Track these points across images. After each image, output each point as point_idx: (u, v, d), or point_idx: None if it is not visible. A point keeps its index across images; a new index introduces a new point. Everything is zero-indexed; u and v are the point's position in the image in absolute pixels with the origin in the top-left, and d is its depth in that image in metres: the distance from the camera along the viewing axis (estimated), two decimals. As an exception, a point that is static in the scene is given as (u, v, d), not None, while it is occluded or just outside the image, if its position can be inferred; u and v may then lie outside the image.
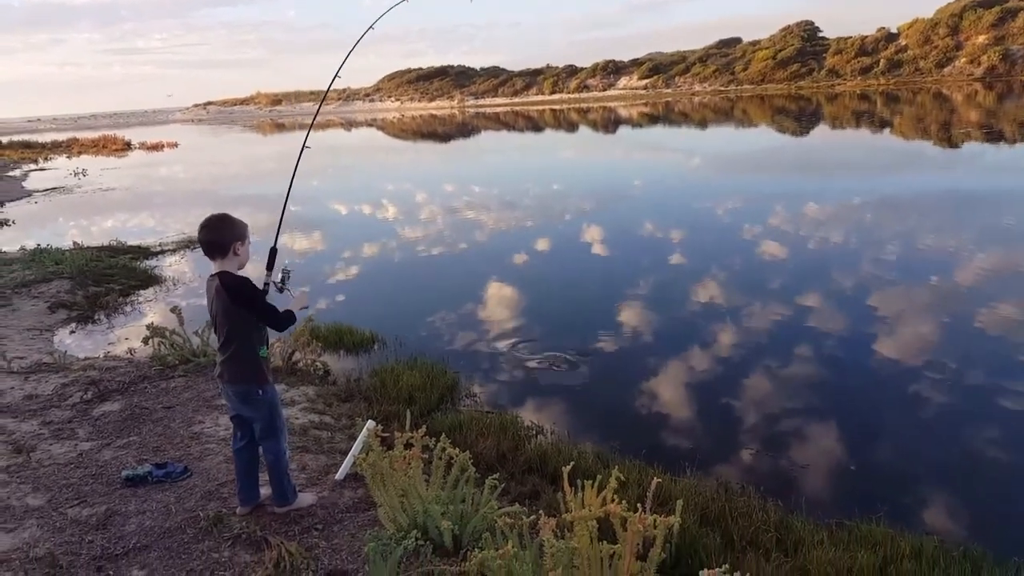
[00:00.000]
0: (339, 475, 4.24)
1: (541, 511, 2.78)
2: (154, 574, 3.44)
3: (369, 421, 4.30)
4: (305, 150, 4.54)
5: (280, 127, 73.32)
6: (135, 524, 3.88)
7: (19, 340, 7.82)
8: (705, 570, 2.21)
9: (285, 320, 3.68)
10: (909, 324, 7.12)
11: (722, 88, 74.19)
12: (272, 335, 4.37)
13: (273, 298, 3.77)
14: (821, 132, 31.91)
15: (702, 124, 41.87)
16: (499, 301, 8.94)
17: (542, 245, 12.31)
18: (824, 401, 5.54)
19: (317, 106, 5.27)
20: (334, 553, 3.52)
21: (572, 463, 3.32)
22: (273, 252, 3.82)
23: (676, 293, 8.74)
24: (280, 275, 3.83)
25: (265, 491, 3.99)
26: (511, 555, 2.58)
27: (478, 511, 3.36)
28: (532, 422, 5.23)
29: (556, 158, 28.88)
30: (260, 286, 3.71)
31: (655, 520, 2.58)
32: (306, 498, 3.97)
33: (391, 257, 12.23)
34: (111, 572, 3.48)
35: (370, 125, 64.46)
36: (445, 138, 45.69)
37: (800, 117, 40.14)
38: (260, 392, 3.69)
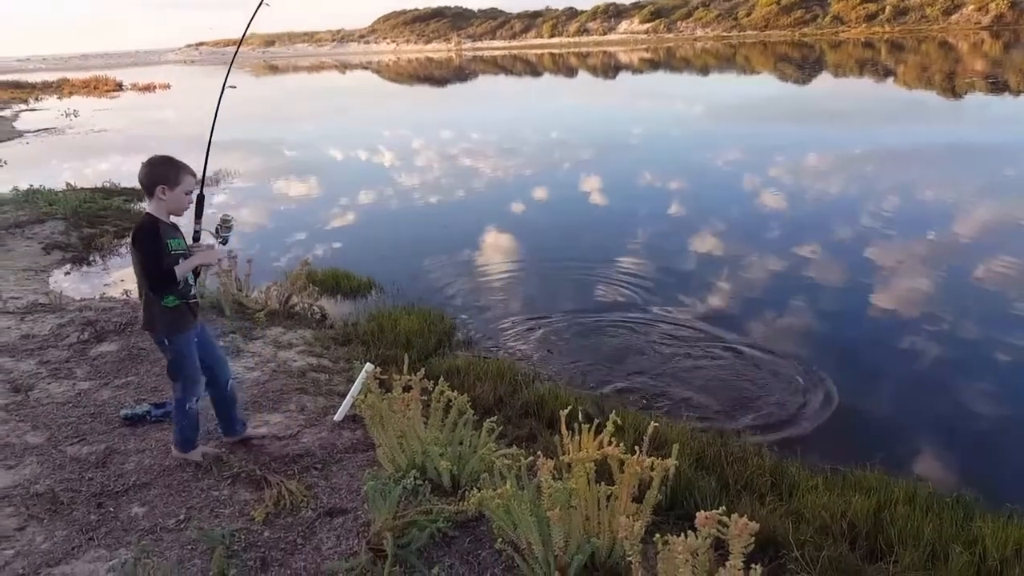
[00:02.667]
0: (337, 416, 4.26)
1: (539, 453, 2.79)
2: (155, 511, 3.48)
3: (367, 364, 4.30)
4: (230, 89, 4.28)
5: (273, 68, 71.87)
6: (134, 462, 3.91)
7: (14, 280, 7.78)
8: (701, 512, 2.22)
9: (160, 278, 3.41)
10: (907, 275, 7.11)
11: (725, 34, 72.75)
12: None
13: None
14: (823, 81, 31.43)
15: (703, 71, 41.18)
16: (496, 249, 8.90)
17: (540, 193, 12.20)
18: (820, 351, 5.56)
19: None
20: (333, 492, 3.56)
21: (569, 408, 3.35)
22: (200, 199, 3.60)
23: (673, 242, 8.70)
24: (217, 224, 3.69)
25: (254, 430, 4.09)
26: (509, 495, 2.60)
27: (476, 453, 3.39)
28: (529, 368, 5.25)
29: (555, 105, 28.44)
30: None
31: (652, 463, 2.61)
32: (197, 454, 3.86)
33: (388, 204, 12.12)
34: (111, 509, 3.52)
35: (365, 68, 63.22)
36: (442, 83, 44.90)
37: (803, 65, 39.49)
38: (166, 342, 3.60)
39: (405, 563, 2.92)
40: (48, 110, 33.14)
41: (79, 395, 4.76)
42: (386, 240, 9.73)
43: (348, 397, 4.28)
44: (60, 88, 48.15)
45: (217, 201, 12.29)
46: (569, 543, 2.62)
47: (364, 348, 5.52)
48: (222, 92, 4.25)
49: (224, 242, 3.75)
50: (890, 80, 29.39)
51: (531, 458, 2.93)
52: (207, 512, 3.44)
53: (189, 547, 3.18)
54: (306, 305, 6.43)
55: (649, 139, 17.90)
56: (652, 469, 2.61)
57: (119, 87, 47.41)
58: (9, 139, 22.64)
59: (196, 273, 3.71)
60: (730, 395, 4.89)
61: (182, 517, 3.41)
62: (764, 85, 31.61)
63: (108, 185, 12.78)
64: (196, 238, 3.63)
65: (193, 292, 3.66)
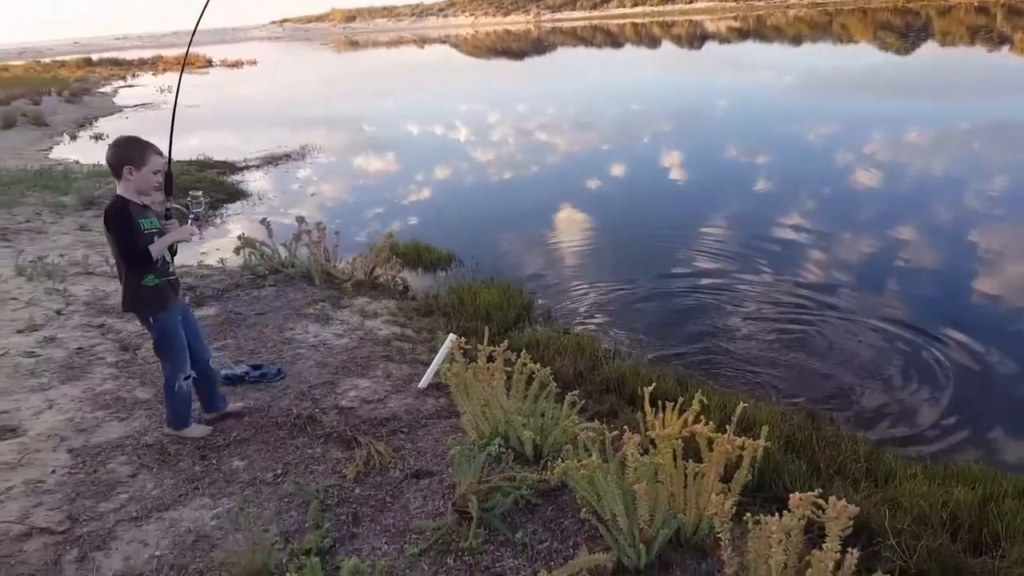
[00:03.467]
0: (422, 384, 4.38)
1: (625, 427, 2.81)
2: (253, 464, 3.68)
3: (451, 334, 4.39)
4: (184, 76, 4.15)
5: (354, 44, 73.02)
6: (233, 419, 4.13)
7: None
8: (796, 493, 2.20)
9: (136, 258, 3.44)
10: (1015, 263, 6.71)
11: (819, 0, 69.36)
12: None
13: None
14: (928, 50, 29.66)
15: (795, 40, 39.49)
16: (574, 224, 8.87)
17: (618, 168, 12.06)
18: (920, 336, 5.30)
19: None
20: (419, 455, 3.67)
21: (653, 385, 3.34)
22: (168, 177, 3.55)
23: (759, 220, 8.45)
24: (187, 200, 3.69)
25: (237, 405, 4.21)
26: (594, 466, 2.63)
27: (558, 424, 3.42)
28: (609, 345, 5.25)
29: (635, 77, 27.89)
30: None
31: (744, 442, 2.58)
32: (197, 430, 3.96)
33: (464, 179, 12.22)
34: (214, 461, 3.74)
35: (443, 42, 63.50)
36: (519, 56, 44.66)
37: (906, 33, 37.34)
38: (151, 320, 3.66)
39: (489, 526, 3.00)
40: (144, 86, 34.73)
41: (182, 355, 5.04)
42: (463, 214, 9.84)
43: (432, 366, 4.39)
44: (155, 65, 50.34)
45: (302, 175, 12.67)
46: (655, 517, 2.63)
47: (445, 320, 5.63)
48: (180, 77, 4.15)
49: (196, 218, 3.71)
50: (1005, 49, 27.44)
51: (616, 432, 2.94)
52: (302, 468, 3.61)
53: (286, 500, 3.36)
54: (389, 276, 6.60)
55: (734, 112, 17.37)
56: (742, 449, 2.59)
57: (209, 63, 49.20)
58: (110, 114, 23.89)
59: (172, 251, 3.70)
60: (823, 377, 4.76)
61: (279, 472, 3.60)
62: (861, 55, 30.08)
63: (202, 158, 13.33)
64: (167, 216, 3.62)
65: (172, 270, 3.68)
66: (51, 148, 16.79)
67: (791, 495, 2.20)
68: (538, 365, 3.44)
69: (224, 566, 2.93)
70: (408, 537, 3.04)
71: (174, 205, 3.61)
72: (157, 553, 3.06)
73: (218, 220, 9.79)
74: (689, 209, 9.07)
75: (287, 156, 14.10)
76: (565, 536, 2.95)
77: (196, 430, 3.98)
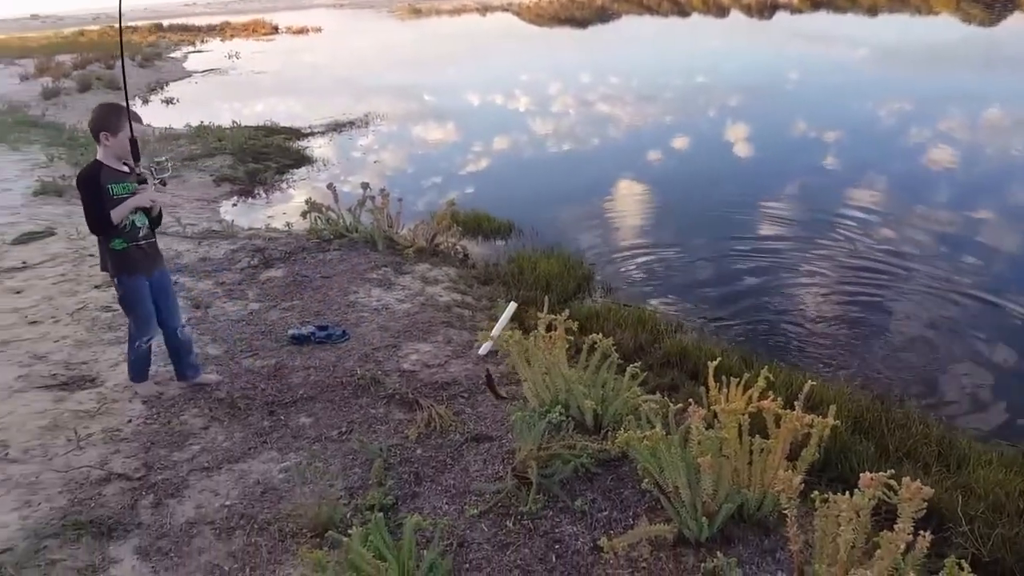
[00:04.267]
0: (482, 351, 4.42)
1: (691, 400, 2.78)
2: (319, 422, 3.78)
3: (511, 302, 4.41)
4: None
5: (417, 12, 72.94)
6: (301, 377, 4.25)
7: (189, 209, 8.52)
8: (867, 473, 2.14)
9: (96, 222, 3.54)
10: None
11: (896, -28, 66.11)
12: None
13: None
14: (1018, 22, 27.96)
15: (871, 11, 37.75)
16: (635, 197, 8.75)
17: (681, 142, 11.80)
18: (997, 319, 5.08)
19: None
20: (479, 420, 3.72)
21: (718, 360, 3.29)
22: (133, 143, 3.55)
23: (827, 195, 8.17)
24: (152, 166, 3.71)
25: (211, 377, 4.23)
26: (658, 438, 2.61)
27: (619, 395, 3.41)
28: (671, 318, 5.19)
29: (702, 47, 27.13)
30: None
31: (813, 420, 2.53)
32: (144, 387, 4.07)
33: (524, 149, 12.15)
34: (282, 417, 3.86)
35: (505, 10, 62.78)
36: (583, 24, 43.89)
37: (992, 4, 35.26)
38: (116, 281, 3.74)
39: (548, 492, 3.02)
40: (212, 52, 35.45)
41: (251, 314, 5.20)
42: (523, 185, 9.80)
43: (493, 332, 4.41)
44: (222, 31, 51.26)
45: (364, 142, 12.80)
46: (718, 491, 2.61)
47: (505, 288, 5.65)
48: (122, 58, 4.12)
49: (163, 183, 3.74)
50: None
51: (680, 405, 2.92)
52: (365, 427, 3.70)
53: (350, 457, 3.45)
54: (450, 244, 6.64)
55: (804, 86, 16.76)
56: (811, 427, 2.54)
57: (275, 30, 49.83)
58: (180, 79, 24.49)
59: (153, 219, 3.74)
60: (893, 356, 4.62)
61: (344, 430, 3.69)
62: (942, 27, 28.59)
63: (269, 124, 13.58)
64: (141, 181, 3.62)
65: (143, 235, 3.70)
66: (125, 112, 17.32)
67: (862, 475, 2.14)
68: (600, 335, 3.42)
69: (291, 517, 3.04)
70: (468, 499, 3.10)
71: (140, 170, 3.62)
72: (227, 503, 3.19)
73: (284, 185, 10.00)
74: (754, 183, 8.83)
75: (351, 123, 14.25)
76: (625, 506, 2.95)
77: (144, 387, 4.08)
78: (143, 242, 3.71)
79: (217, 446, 3.61)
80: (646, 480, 2.77)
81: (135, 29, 51.00)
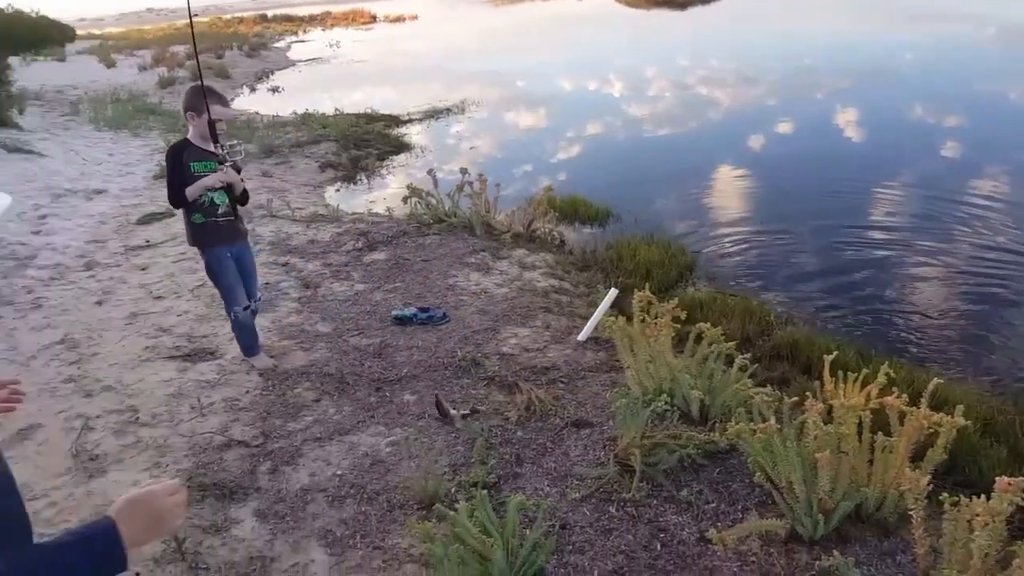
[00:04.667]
0: (581, 336, 4.41)
1: (808, 393, 2.69)
2: (423, 400, 3.88)
3: (612, 288, 4.38)
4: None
5: (511, -1, 72.98)
6: (404, 356, 4.37)
7: (297, 193, 8.86)
8: (1003, 477, 2.02)
9: (173, 195, 3.78)
10: None
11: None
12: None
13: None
14: None
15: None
16: (737, 184, 8.49)
17: (786, 126, 11.35)
18: None
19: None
20: (579, 405, 3.72)
21: (834, 354, 3.16)
22: (211, 124, 3.72)
23: (946, 185, 7.66)
24: (226, 149, 3.81)
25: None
26: (772, 431, 2.54)
27: (727, 387, 3.34)
28: (779, 310, 5.02)
29: (810, 28, 25.92)
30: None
31: (941, 419, 2.40)
32: (261, 360, 4.28)
33: (620, 134, 11.98)
34: (387, 394, 3.98)
35: (601, -5, 61.93)
36: (683, 5, 42.77)
37: None
38: (201, 253, 3.98)
39: (652, 481, 3.00)
40: (314, 41, 36.65)
41: (356, 295, 5.38)
42: (620, 170, 9.67)
43: (592, 319, 4.41)
44: (323, 20, 52.94)
45: (461, 129, 12.95)
46: (835, 488, 2.52)
47: (603, 275, 5.61)
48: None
49: (234, 166, 3.84)
50: None
51: (795, 398, 2.83)
52: (467, 407, 3.76)
53: (453, 435, 3.53)
54: (547, 230, 6.65)
55: (924, 67, 15.77)
56: (938, 426, 2.40)
57: (373, 19, 51.04)
58: (285, 68, 25.47)
59: (235, 198, 3.91)
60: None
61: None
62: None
63: (370, 111, 13.94)
64: (222, 161, 3.78)
65: (221, 212, 3.88)
66: (233, 99, 18.15)
67: (998, 478, 2.02)
68: (708, 324, 3.35)
69: (399, 489, 3.14)
70: (569, 482, 3.11)
71: (220, 152, 3.77)
72: (338, 472, 3.33)
73: (384, 171, 10.26)
74: (866, 168, 8.39)
75: (447, 110, 14.44)
76: (733, 499, 2.89)
77: (259, 360, 4.31)
78: (221, 219, 3.91)
79: (328, 418, 3.76)
80: (757, 474, 2.70)
81: (241, 20, 53.39)
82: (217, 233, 3.93)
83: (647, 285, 3.93)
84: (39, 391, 4.11)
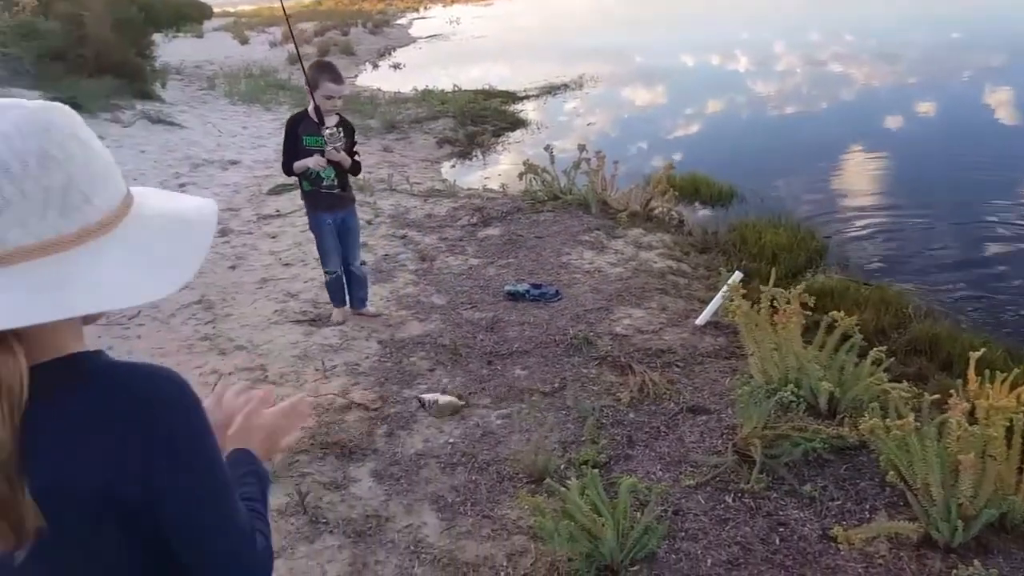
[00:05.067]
0: (700, 320, 4.28)
1: (952, 391, 2.48)
2: (533, 375, 3.89)
3: (736, 272, 4.21)
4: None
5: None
6: (516, 332, 4.39)
7: (415, 168, 9.07)
8: None
9: (283, 164, 4.18)
10: None
11: None
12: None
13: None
14: None
15: None
16: (873, 166, 7.96)
17: (926, 107, 10.52)
18: None
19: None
20: (695, 391, 3.61)
21: (981, 351, 2.90)
22: (316, 109, 3.99)
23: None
24: (325, 133, 4.00)
25: (370, 310, 4.69)
26: (910, 429, 2.37)
27: (859, 380, 3.14)
28: (917, 301, 4.68)
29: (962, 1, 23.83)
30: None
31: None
32: (335, 314, 4.61)
33: (743, 112, 11.51)
34: (498, 367, 4.02)
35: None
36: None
37: None
38: (308, 217, 4.37)
39: (773, 473, 2.87)
40: (435, 18, 37.27)
41: (470, 269, 5.45)
42: (744, 149, 9.28)
43: (713, 303, 4.26)
44: (444, -3, 53.63)
45: (575, 106, 12.82)
46: (979, 494, 2.32)
47: (725, 257, 5.42)
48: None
49: (336, 150, 4.00)
50: None
51: (937, 396, 2.62)
52: (577, 385, 3.74)
53: (563, 412, 3.51)
54: (665, 209, 6.48)
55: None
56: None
57: (493, -5, 51.24)
58: (406, 45, 26.06)
59: (344, 171, 4.15)
60: None
61: (556, 385, 3.76)
62: None
63: (487, 88, 14.03)
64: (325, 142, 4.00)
65: (326, 184, 4.14)
66: (357, 75, 18.73)
67: None
68: (842, 313, 3.16)
69: (509, 461, 3.16)
70: (684, 468, 3.03)
71: (324, 132, 3.98)
72: (450, 440, 3.39)
73: (499, 147, 10.33)
74: (1013, 153, 7.65)
75: (564, 86, 14.34)
76: (860, 498, 2.73)
77: (337, 312, 4.63)
78: (324, 190, 4.18)
79: (441, 387, 3.84)
80: (890, 473, 2.53)
81: (366, -3, 54.84)
82: (320, 201, 4.24)
83: (773, 270, 3.75)
84: (178, 347, 4.42)
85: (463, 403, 3.64)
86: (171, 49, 17.54)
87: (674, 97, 13.13)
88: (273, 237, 6.41)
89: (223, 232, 6.55)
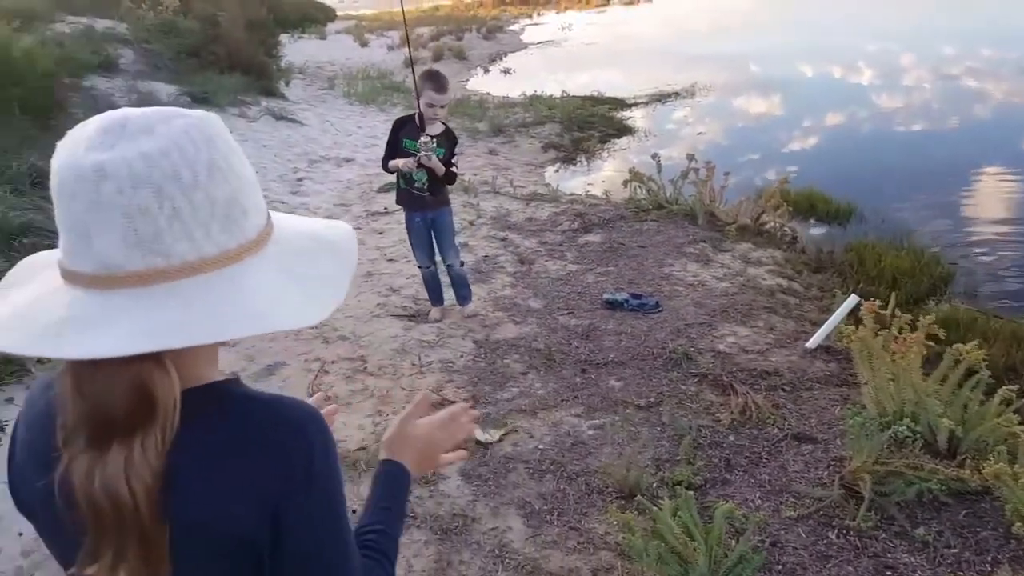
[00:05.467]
0: (811, 343, 4.06)
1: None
2: (628, 387, 3.80)
3: (852, 295, 3.98)
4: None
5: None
6: (612, 341, 4.31)
7: (519, 172, 9.12)
8: None
9: (383, 161, 4.33)
10: None
11: None
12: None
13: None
14: None
15: None
16: (1007, 189, 7.36)
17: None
18: None
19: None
20: (802, 417, 3.43)
21: None
22: (420, 116, 4.10)
23: None
24: (419, 141, 4.07)
25: (471, 307, 4.79)
26: (1047, 479, 2.15)
27: (984, 419, 2.89)
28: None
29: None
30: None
31: None
32: (432, 312, 4.74)
33: (865, 127, 10.91)
34: (592, 376, 3.95)
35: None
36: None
37: None
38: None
39: (883, 512, 2.68)
40: (547, 24, 37.39)
41: (569, 275, 5.41)
42: (865, 167, 8.78)
43: (826, 325, 4.04)
44: (557, 3, 53.76)
45: (684, 115, 12.54)
46: None
47: (840, 279, 5.15)
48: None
49: (427, 158, 4.05)
50: None
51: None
52: (674, 402, 3.63)
53: (658, 428, 3.42)
54: (777, 224, 6.22)
55: None
56: None
57: (607, 2, 50.96)
58: (517, 50, 26.27)
59: (437, 177, 4.18)
60: None
61: (652, 400, 3.66)
62: None
63: (595, 94, 13.95)
64: (418, 151, 4.08)
65: (417, 186, 4.24)
66: (468, 80, 19.05)
67: None
68: (969, 346, 2.92)
69: (599, 474, 3.10)
70: (785, 498, 2.88)
71: (422, 139, 4.06)
72: (540, 447, 3.36)
73: (604, 154, 10.23)
74: None
75: (675, 94, 14.06)
76: (981, 548, 2.50)
77: (434, 310, 4.75)
78: (415, 191, 4.29)
79: (533, 392, 3.82)
80: (1017, 524, 2.31)
81: (481, 3, 55.72)
82: (410, 200, 4.39)
83: (893, 295, 3.51)
84: (286, 334, 4.60)
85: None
86: (296, 49, 18.42)
87: (791, 108, 12.62)
88: (380, 233, 6.59)
89: (333, 226, 6.78)
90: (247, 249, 0.79)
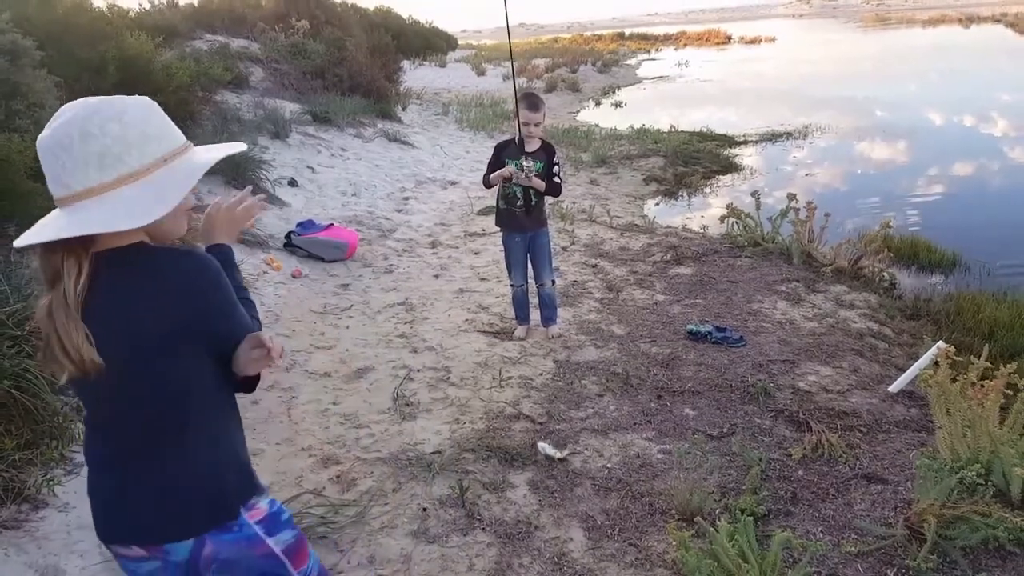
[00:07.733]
0: (893, 388, 3.99)
1: None
2: (702, 417, 3.86)
3: (940, 342, 3.88)
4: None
5: (883, 21, 66.79)
6: (691, 371, 4.37)
7: (618, 203, 9.25)
8: None
9: (484, 176, 4.57)
10: None
11: None
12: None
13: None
14: None
15: None
16: None
17: None
18: None
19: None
20: (874, 459, 3.39)
21: None
22: (520, 141, 4.43)
23: None
24: (518, 163, 4.39)
25: (556, 328, 4.97)
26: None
27: (1066, 475, 2.79)
28: None
29: None
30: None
31: None
32: (518, 330, 4.96)
33: (990, 179, 10.34)
34: (667, 403, 4.03)
35: (997, 21, 53.58)
36: (1107, 35, 35.20)
37: None
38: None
39: (945, 556, 2.64)
40: (664, 60, 37.44)
41: (655, 304, 5.49)
42: (981, 218, 8.35)
43: (910, 371, 3.96)
44: (677, 40, 53.74)
45: (798, 156, 12.29)
46: None
47: (934, 327, 4.98)
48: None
49: (527, 177, 4.35)
50: None
51: None
52: (747, 434, 3.66)
53: (727, 458, 3.46)
54: (876, 269, 6.07)
55: None
56: None
57: (728, 40, 50.48)
58: (631, 84, 26.49)
59: (534, 193, 4.44)
60: None
61: (725, 430, 3.71)
62: None
63: (704, 130, 13.91)
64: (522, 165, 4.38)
65: (518, 205, 4.49)
66: (578, 111, 19.39)
67: None
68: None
69: (663, 495, 3.19)
70: (847, 535, 2.87)
71: (520, 161, 4.40)
72: (608, 465, 3.47)
73: (707, 191, 10.20)
74: None
75: (787, 135, 13.80)
76: (1050, 604, 2.43)
77: (518, 329, 4.98)
78: (517, 209, 4.54)
79: (607, 414, 3.94)
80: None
81: (599, 37, 56.41)
82: (510, 220, 4.63)
83: (987, 347, 3.42)
84: (378, 340, 4.93)
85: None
86: (416, 75, 19.36)
87: (912, 156, 12.12)
88: (476, 253, 6.90)
89: (432, 244, 7.17)
90: (124, 180, 1.35)
